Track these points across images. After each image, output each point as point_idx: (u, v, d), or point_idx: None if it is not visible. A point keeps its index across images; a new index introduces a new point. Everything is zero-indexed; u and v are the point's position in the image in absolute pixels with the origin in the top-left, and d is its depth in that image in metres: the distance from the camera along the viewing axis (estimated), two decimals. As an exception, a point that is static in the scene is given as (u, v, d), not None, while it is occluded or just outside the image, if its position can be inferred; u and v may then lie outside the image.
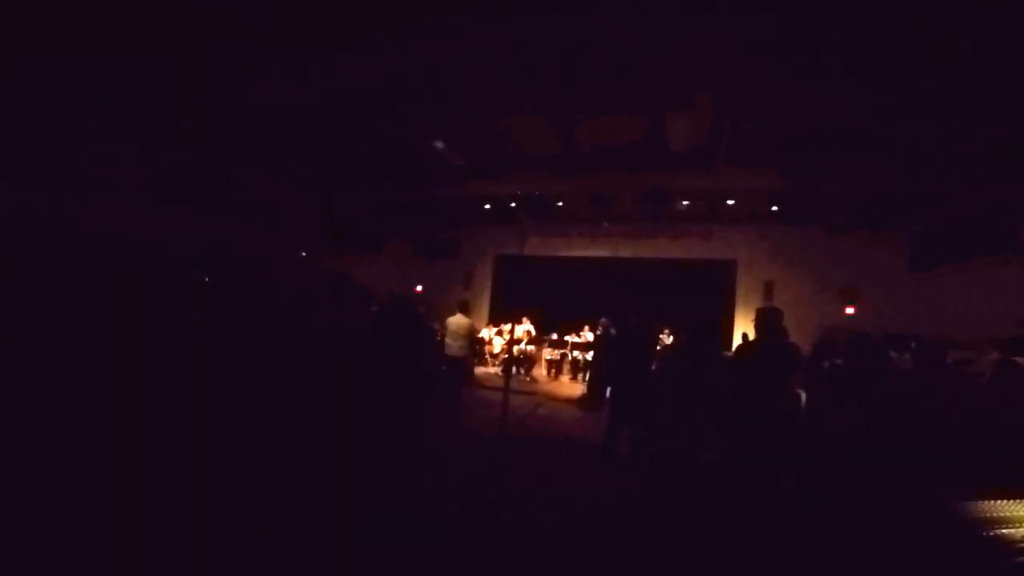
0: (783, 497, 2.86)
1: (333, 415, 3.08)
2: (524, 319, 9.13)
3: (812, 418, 3.28)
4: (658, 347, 6.53)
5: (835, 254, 9.71)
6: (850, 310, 9.58)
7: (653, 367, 4.35)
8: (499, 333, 9.56)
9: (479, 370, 8.89)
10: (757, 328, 3.23)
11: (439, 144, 7.61)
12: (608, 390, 5.54)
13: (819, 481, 2.74)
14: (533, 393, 7.45)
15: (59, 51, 5.63)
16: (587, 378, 7.67)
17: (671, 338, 7.95)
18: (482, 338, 9.47)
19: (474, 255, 12.79)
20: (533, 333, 9.15)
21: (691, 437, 3.21)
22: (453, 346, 5.24)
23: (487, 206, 9.85)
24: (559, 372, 9.31)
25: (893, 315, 8.95)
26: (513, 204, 9.61)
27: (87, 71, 6.08)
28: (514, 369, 8.86)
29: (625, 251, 11.37)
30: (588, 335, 8.79)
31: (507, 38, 5.30)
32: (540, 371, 9.44)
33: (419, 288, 12.90)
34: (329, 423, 3.09)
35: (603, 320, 6.79)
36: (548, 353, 9.37)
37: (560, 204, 9.39)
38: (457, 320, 5.36)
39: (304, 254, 10.95)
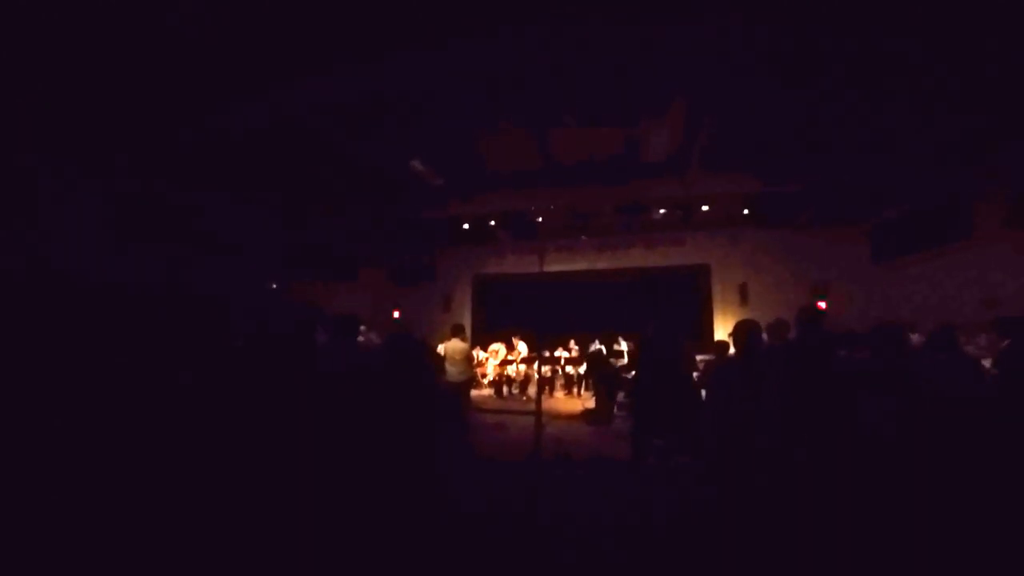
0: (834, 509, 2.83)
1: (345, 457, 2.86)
2: (515, 339, 9.01)
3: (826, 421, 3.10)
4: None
5: (804, 251, 10.11)
6: (822, 304, 9.94)
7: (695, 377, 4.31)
8: (492, 354, 9.37)
9: (472, 393, 8.66)
10: (800, 325, 3.17)
11: (417, 164, 7.46)
12: (619, 403, 5.43)
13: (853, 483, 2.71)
14: (532, 412, 7.27)
15: (8, 83, 5.21)
16: (590, 392, 7.56)
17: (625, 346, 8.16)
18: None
19: (452, 277, 12.59)
20: (525, 353, 9.02)
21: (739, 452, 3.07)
22: (452, 371, 5.06)
23: (466, 226, 9.71)
24: (552, 389, 9.18)
25: (863, 307, 9.36)
26: (492, 223, 9.52)
27: (37, 102, 5.65)
28: (506, 390, 8.68)
29: (602, 263, 11.48)
30: (576, 348, 8.75)
31: (484, 55, 5.29)
32: (533, 389, 9.27)
33: (396, 314, 12.56)
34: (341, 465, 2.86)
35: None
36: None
37: (540, 220, 9.38)
38: (453, 345, 5.20)
39: (274, 286, 10.47)
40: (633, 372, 5.05)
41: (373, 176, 8.22)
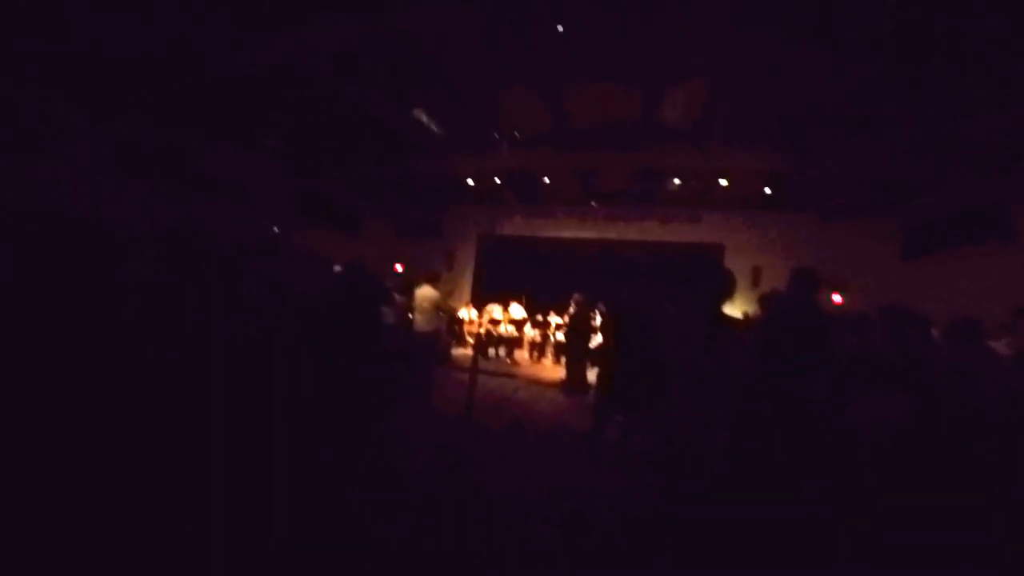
0: (806, 506, 2.54)
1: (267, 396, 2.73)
2: (513, 303, 8.81)
3: (829, 409, 2.72)
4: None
5: (824, 241, 9.50)
6: (837, 298, 9.42)
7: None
8: (487, 314, 9.20)
9: (458, 351, 8.56)
10: (795, 290, 2.75)
11: (420, 114, 7.13)
12: (594, 373, 5.13)
13: (848, 488, 2.40)
14: (513, 376, 7.15)
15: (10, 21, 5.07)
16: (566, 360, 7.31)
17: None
18: (461, 319, 9.13)
19: (457, 235, 12.35)
20: (520, 317, 8.82)
21: (703, 430, 2.62)
22: (419, 320, 4.81)
23: (470, 181, 9.39)
24: (541, 355, 9.01)
25: (882, 305, 8.80)
26: (498, 180, 9.16)
27: (41, 40, 5.52)
28: (493, 351, 8.55)
29: (612, 233, 11.06)
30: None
31: (493, 6, 4.90)
32: (523, 354, 9.12)
33: (399, 267, 12.45)
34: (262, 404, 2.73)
35: (576, 296, 6.36)
36: (531, 335, 9.05)
37: (547, 180, 8.99)
38: (423, 292, 4.89)
39: (276, 229, 10.40)
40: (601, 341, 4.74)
41: (379, 127, 7.93)
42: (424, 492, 2.81)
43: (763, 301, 3.78)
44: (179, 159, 8.02)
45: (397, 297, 4.71)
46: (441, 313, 5.31)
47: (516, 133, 6.86)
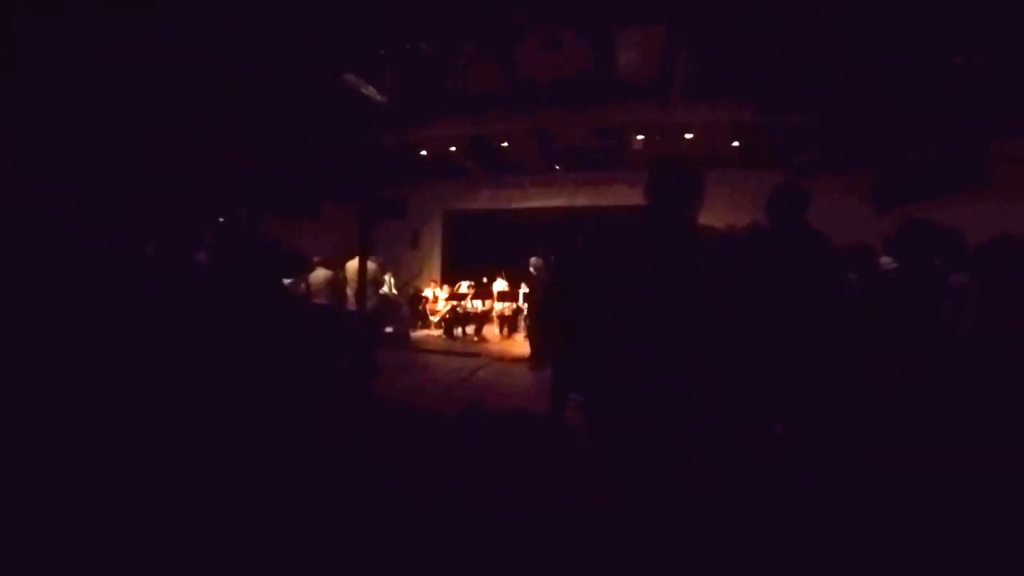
0: (801, 501, 2.08)
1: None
2: (498, 278, 8.43)
3: (836, 364, 2.10)
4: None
5: (797, 197, 9.21)
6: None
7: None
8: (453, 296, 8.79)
9: (421, 333, 8.19)
10: (775, 213, 2.14)
11: (351, 77, 6.56)
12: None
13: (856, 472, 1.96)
14: (478, 354, 6.77)
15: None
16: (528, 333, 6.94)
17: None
18: (425, 297, 8.73)
19: (422, 213, 11.85)
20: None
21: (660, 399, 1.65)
22: (354, 297, 4.35)
23: (424, 152, 8.87)
24: (512, 330, 8.64)
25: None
26: (453, 148, 8.66)
27: None
28: (459, 330, 8.17)
29: (582, 199, 10.67)
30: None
31: None
32: (492, 329, 8.74)
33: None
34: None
35: (534, 260, 5.95)
36: (500, 308, 8.64)
37: (505, 145, 8.51)
38: (354, 265, 4.37)
39: (221, 220, 9.79)
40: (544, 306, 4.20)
41: (316, 99, 7.34)
42: (342, 493, 2.44)
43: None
44: (104, 148, 7.35)
45: (323, 272, 4.27)
46: (391, 290, 4.88)
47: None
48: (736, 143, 8.31)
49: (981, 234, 5.83)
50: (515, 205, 11.23)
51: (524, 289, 8.40)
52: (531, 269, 5.91)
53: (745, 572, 1.76)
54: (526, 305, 8.08)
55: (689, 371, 1.52)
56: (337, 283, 4.54)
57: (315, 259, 4.72)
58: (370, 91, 6.89)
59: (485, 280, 9.06)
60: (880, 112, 6.97)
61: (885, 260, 2.94)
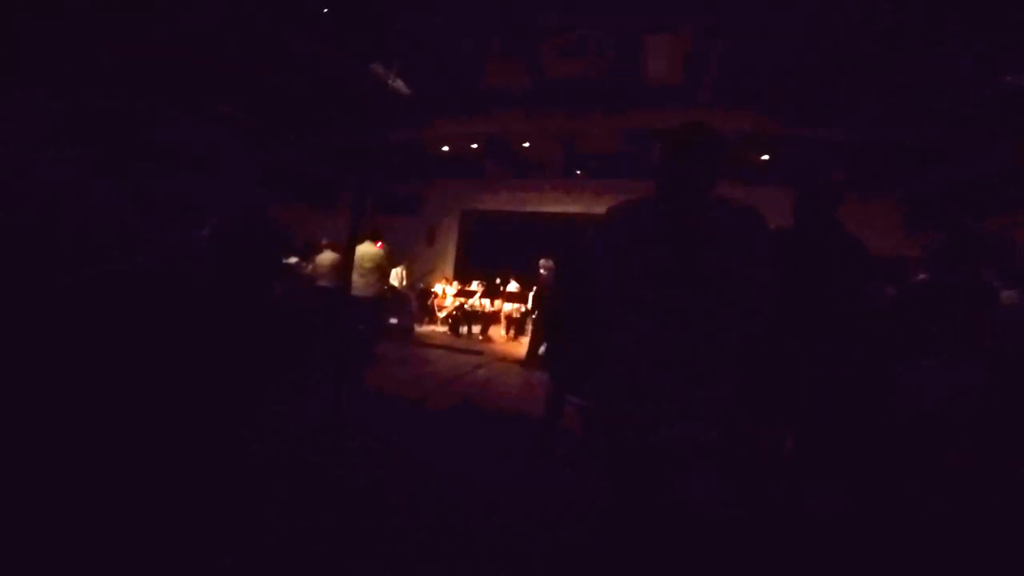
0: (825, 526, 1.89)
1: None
2: (512, 280, 8.30)
3: (870, 377, 1.95)
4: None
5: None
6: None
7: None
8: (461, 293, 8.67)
9: (426, 328, 8.07)
10: (803, 212, 1.96)
11: (379, 69, 6.51)
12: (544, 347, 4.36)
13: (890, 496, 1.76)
14: (480, 352, 6.62)
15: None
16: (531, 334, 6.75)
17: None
18: (434, 293, 8.62)
19: (438, 210, 11.82)
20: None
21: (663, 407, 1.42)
22: (359, 283, 4.22)
23: (445, 148, 8.80)
24: (519, 332, 8.46)
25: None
26: (475, 146, 8.58)
27: None
28: (465, 329, 8.04)
29: (599, 207, 10.41)
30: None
31: None
32: (499, 331, 8.58)
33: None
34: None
35: (543, 262, 5.76)
36: (508, 310, 8.50)
37: (527, 146, 8.39)
38: (364, 249, 4.30)
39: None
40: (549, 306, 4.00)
41: (342, 89, 7.34)
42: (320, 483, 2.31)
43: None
44: (128, 130, 7.43)
45: (330, 255, 4.17)
46: (402, 283, 4.77)
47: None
48: (766, 156, 8.04)
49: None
50: (533, 208, 11.09)
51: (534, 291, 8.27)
52: (541, 270, 5.75)
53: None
54: (534, 306, 7.92)
55: (698, 364, 1.28)
56: (384, 264, 4.47)
57: (323, 241, 4.64)
58: (397, 83, 6.84)
59: (498, 281, 8.93)
60: (911, 128, 6.70)
61: (923, 277, 2.70)
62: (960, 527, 1.65)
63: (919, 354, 1.89)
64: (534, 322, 6.33)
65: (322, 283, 4.28)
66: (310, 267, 4.64)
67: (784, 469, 1.89)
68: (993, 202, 6.79)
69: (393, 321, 6.74)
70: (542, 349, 5.61)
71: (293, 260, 4.10)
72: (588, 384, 2.56)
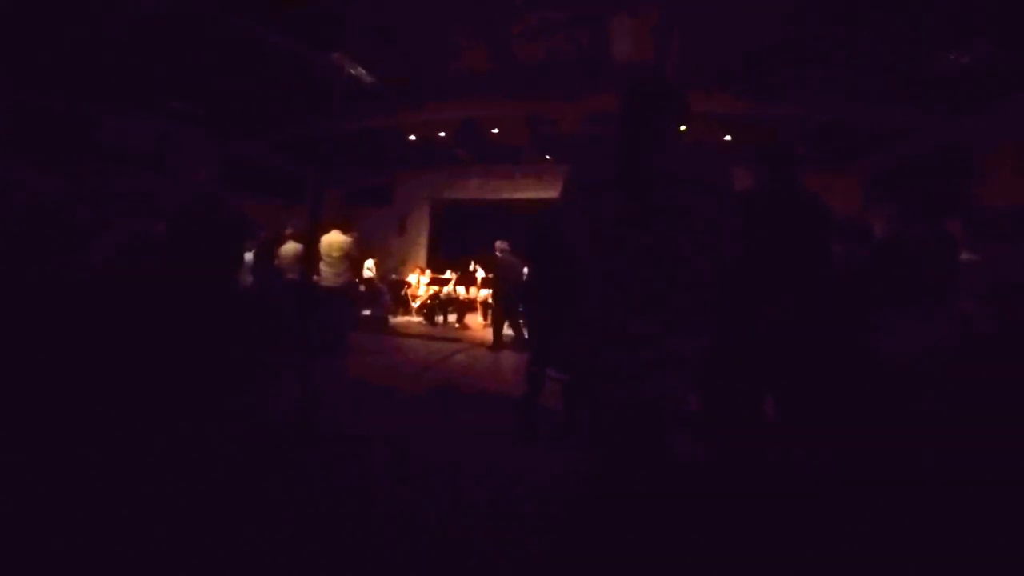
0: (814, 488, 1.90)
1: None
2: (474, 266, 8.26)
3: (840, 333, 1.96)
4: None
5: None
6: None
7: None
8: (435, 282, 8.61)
9: (401, 319, 8.00)
10: (765, 165, 1.94)
11: (338, 57, 6.33)
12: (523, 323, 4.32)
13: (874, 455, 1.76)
14: (457, 339, 6.61)
15: None
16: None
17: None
18: (407, 283, 8.54)
19: (409, 200, 11.69)
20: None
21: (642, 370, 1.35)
22: (327, 273, 4.15)
23: (412, 137, 8.67)
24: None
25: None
26: (443, 133, 8.47)
27: None
28: (441, 317, 8.00)
29: (570, 192, 10.52)
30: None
31: None
32: (476, 317, 8.57)
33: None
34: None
35: (498, 244, 5.72)
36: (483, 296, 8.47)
37: (496, 131, 8.34)
38: (329, 238, 4.24)
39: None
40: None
41: (301, 78, 7.11)
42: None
43: None
44: (78, 129, 7.06)
45: (293, 245, 4.07)
46: (373, 273, 4.69)
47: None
48: (727, 136, 8.19)
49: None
50: (505, 196, 11.08)
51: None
52: (496, 252, 5.76)
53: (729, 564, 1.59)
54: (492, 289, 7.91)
55: (669, 308, 1.26)
56: (351, 251, 4.35)
57: (287, 231, 4.52)
58: (358, 71, 6.68)
59: (472, 268, 8.91)
60: (871, 104, 6.91)
61: (887, 234, 2.76)
62: (950, 478, 1.71)
63: (893, 306, 1.93)
64: (493, 304, 6.33)
65: (290, 276, 4.17)
66: (276, 260, 4.52)
67: (765, 430, 1.91)
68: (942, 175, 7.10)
69: (367, 312, 6.66)
70: (506, 329, 5.72)
71: (248, 255, 3.97)
72: (565, 341, 2.50)
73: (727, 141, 8.32)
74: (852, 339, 1.90)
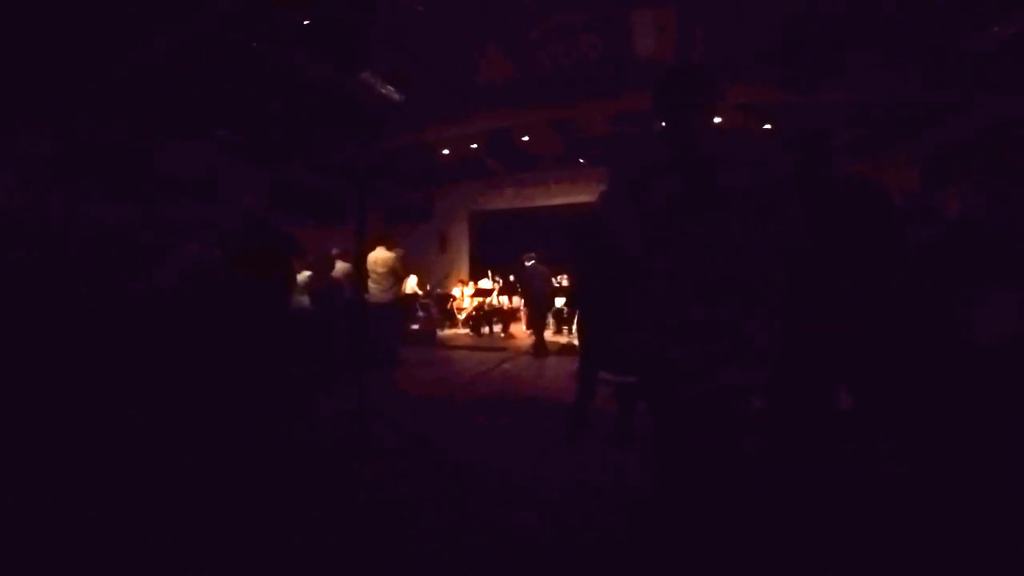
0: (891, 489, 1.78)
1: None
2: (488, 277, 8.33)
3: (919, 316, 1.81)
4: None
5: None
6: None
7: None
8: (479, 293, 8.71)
9: (449, 332, 8.11)
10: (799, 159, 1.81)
11: (368, 78, 6.55)
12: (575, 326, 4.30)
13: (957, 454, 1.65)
14: (503, 349, 6.65)
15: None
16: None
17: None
18: (453, 296, 8.67)
19: (448, 215, 11.90)
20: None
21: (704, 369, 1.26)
22: (374, 289, 4.29)
23: (445, 152, 8.84)
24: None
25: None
26: (475, 146, 8.60)
27: None
28: (487, 328, 8.07)
29: (606, 194, 10.43)
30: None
31: None
32: (520, 326, 8.59)
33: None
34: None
35: (526, 254, 5.76)
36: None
37: (527, 139, 8.39)
38: (375, 255, 4.37)
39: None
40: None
41: (336, 102, 7.40)
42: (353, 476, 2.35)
43: None
44: (138, 160, 7.59)
45: (342, 265, 4.23)
46: (416, 290, 4.82)
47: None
48: (767, 125, 7.91)
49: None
50: (539, 203, 11.13)
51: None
52: (525, 263, 5.83)
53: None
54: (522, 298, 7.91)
55: (734, 294, 1.18)
56: (398, 267, 4.59)
57: (334, 251, 4.70)
58: (388, 90, 6.89)
59: (512, 278, 8.96)
60: (920, 84, 6.52)
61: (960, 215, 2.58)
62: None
63: (978, 287, 1.77)
64: (527, 313, 6.38)
65: (372, 291, 4.36)
66: (326, 282, 4.68)
67: (841, 426, 1.79)
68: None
69: (415, 327, 6.79)
70: (548, 333, 5.76)
71: (307, 274, 4.14)
72: (621, 340, 2.36)
73: (767, 130, 8.04)
74: (932, 323, 1.77)
